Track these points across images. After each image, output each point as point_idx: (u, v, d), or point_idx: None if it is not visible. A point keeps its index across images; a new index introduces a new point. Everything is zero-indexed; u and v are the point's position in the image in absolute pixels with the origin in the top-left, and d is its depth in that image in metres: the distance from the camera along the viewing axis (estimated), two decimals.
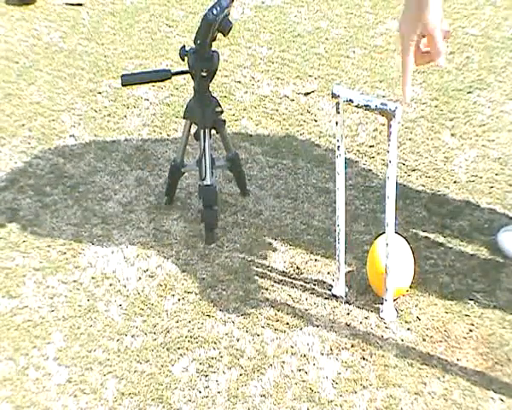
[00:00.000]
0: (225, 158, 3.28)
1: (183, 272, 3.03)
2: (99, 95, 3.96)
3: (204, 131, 3.11)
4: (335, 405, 2.54)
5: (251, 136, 3.66)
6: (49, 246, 3.16)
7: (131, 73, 3.35)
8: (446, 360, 2.65)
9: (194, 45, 3.03)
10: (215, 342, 2.76)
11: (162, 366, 2.69)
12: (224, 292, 2.94)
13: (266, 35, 4.34)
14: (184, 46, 3.07)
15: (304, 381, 2.62)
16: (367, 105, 2.59)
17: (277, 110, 3.80)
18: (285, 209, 3.27)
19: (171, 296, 2.93)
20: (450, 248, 3.05)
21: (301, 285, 2.94)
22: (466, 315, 2.80)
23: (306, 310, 2.85)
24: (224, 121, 3.20)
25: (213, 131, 3.17)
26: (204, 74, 3.05)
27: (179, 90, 3.94)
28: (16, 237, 3.20)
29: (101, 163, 3.55)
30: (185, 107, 3.18)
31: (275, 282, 2.96)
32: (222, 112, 3.16)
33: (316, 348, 2.72)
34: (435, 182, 3.35)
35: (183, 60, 3.07)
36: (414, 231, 3.12)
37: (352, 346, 2.72)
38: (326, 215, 3.21)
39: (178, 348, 2.74)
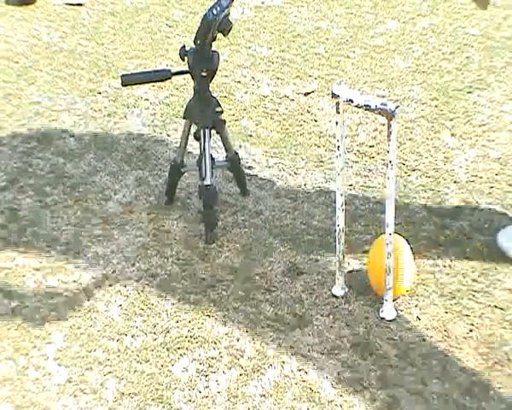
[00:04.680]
0: (225, 158, 3.28)
1: (183, 272, 3.03)
2: (99, 95, 3.96)
3: (204, 131, 3.11)
4: (335, 405, 2.54)
5: (251, 136, 3.66)
6: (49, 246, 3.16)
7: (131, 73, 3.35)
8: (446, 360, 2.65)
9: (194, 45, 3.03)
10: (215, 342, 2.75)
11: (162, 366, 2.69)
12: (224, 292, 2.94)
13: (266, 35, 4.34)
14: (184, 46, 3.07)
15: (304, 381, 2.62)
16: (367, 105, 2.59)
17: (277, 110, 3.80)
18: (285, 209, 3.27)
19: (171, 296, 2.93)
20: (451, 248, 3.05)
21: (301, 285, 2.94)
22: (466, 315, 2.80)
23: (306, 310, 2.85)
24: (224, 121, 3.19)
25: (213, 131, 3.17)
26: (204, 74, 3.05)
27: (179, 90, 3.94)
28: (16, 237, 3.20)
29: (101, 163, 3.55)
30: (185, 107, 3.18)
31: (275, 282, 2.96)
32: (222, 112, 3.16)
33: (316, 348, 2.72)
34: (435, 182, 3.35)
35: (183, 60, 3.07)
36: (414, 231, 3.12)
37: (352, 346, 2.72)
38: (326, 215, 3.21)
39: (178, 348, 2.74)
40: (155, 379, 2.65)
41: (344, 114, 2.67)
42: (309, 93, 3.89)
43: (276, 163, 3.50)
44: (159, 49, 4.27)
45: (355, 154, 3.51)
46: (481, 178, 3.35)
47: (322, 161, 3.49)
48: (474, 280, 2.92)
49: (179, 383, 2.63)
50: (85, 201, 3.36)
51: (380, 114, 2.60)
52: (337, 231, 2.83)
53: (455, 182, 3.34)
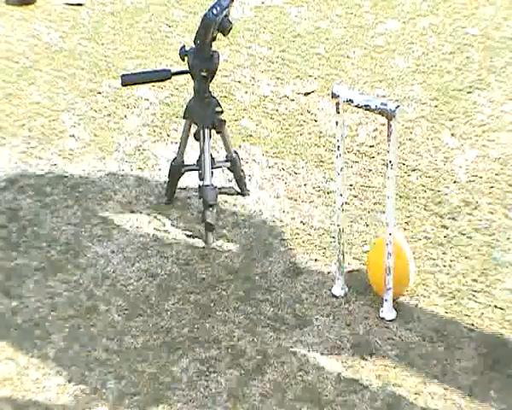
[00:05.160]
0: (225, 158, 3.28)
1: (183, 272, 3.03)
2: (99, 95, 3.96)
3: (204, 131, 3.11)
4: (335, 405, 2.54)
5: (251, 136, 3.66)
6: (49, 246, 3.16)
7: (131, 73, 3.36)
8: (446, 360, 2.65)
9: (194, 45, 3.04)
10: (215, 342, 2.75)
11: (162, 366, 2.69)
12: (224, 292, 2.94)
13: (266, 35, 4.34)
14: (184, 46, 3.07)
15: (304, 381, 2.62)
16: (367, 105, 2.59)
17: (277, 110, 3.80)
18: (285, 209, 3.27)
19: (171, 296, 2.93)
20: (451, 248, 3.05)
21: (301, 285, 2.94)
22: (466, 315, 2.80)
23: (306, 310, 2.85)
24: (224, 121, 3.20)
25: (213, 131, 3.17)
26: (204, 74, 3.05)
27: (179, 90, 3.94)
28: (16, 237, 3.20)
29: (101, 163, 3.55)
30: (185, 107, 3.19)
31: (275, 282, 2.96)
32: (222, 112, 3.16)
33: (316, 348, 2.72)
34: (435, 182, 3.35)
35: (183, 60, 3.07)
36: (414, 231, 3.12)
37: (352, 346, 2.72)
38: (326, 215, 3.21)
39: (178, 348, 2.74)
40: (155, 379, 2.65)
41: (344, 114, 2.67)
42: (309, 93, 3.89)
43: (276, 163, 3.50)
44: (159, 49, 4.28)
45: (355, 154, 3.51)
46: (481, 178, 3.35)
47: (322, 161, 3.49)
48: (474, 280, 2.92)
49: (179, 383, 2.63)
50: (85, 201, 3.36)
51: (380, 113, 2.60)
52: (337, 231, 2.83)
53: (455, 182, 3.34)
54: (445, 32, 4.26)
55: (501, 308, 2.81)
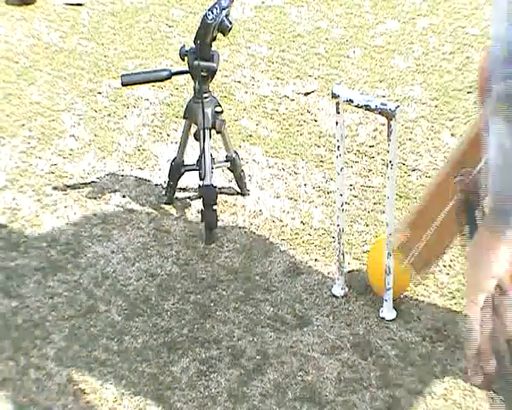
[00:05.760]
0: (225, 158, 3.29)
1: (183, 272, 3.03)
2: (99, 95, 3.96)
3: (204, 131, 3.11)
4: (335, 405, 2.54)
5: (251, 136, 3.66)
6: (49, 246, 3.16)
7: (131, 73, 3.35)
8: (446, 360, 2.65)
9: (194, 45, 3.04)
10: (215, 342, 2.75)
11: (162, 366, 2.69)
12: (224, 292, 2.94)
13: (266, 35, 4.34)
14: (184, 46, 3.08)
15: (304, 381, 2.62)
16: (367, 105, 2.59)
17: (277, 110, 3.80)
18: (285, 209, 3.27)
19: (171, 296, 2.93)
20: (451, 248, 3.05)
21: (301, 285, 2.94)
22: (466, 315, 2.79)
23: (306, 310, 2.85)
24: (224, 121, 3.20)
25: (213, 131, 3.17)
26: (204, 74, 3.06)
27: (179, 90, 3.94)
28: (16, 237, 3.20)
29: (101, 163, 3.55)
30: (185, 107, 3.19)
31: (275, 282, 2.96)
32: (222, 112, 3.16)
33: (316, 348, 2.72)
34: None
35: (183, 60, 3.07)
36: None
37: (352, 346, 2.72)
38: (326, 215, 3.21)
39: (178, 348, 2.74)
40: (155, 379, 2.65)
41: (344, 114, 2.67)
42: (309, 93, 3.89)
43: (276, 163, 3.50)
44: (159, 49, 4.28)
45: (355, 154, 3.51)
46: None
47: (322, 161, 3.49)
48: None
49: (179, 383, 2.63)
50: (85, 201, 3.36)
51: (380, 113, 2.60)
52: (337, 231, 2.83)
53: None
54: (445, 32, 4.26)
55: None
